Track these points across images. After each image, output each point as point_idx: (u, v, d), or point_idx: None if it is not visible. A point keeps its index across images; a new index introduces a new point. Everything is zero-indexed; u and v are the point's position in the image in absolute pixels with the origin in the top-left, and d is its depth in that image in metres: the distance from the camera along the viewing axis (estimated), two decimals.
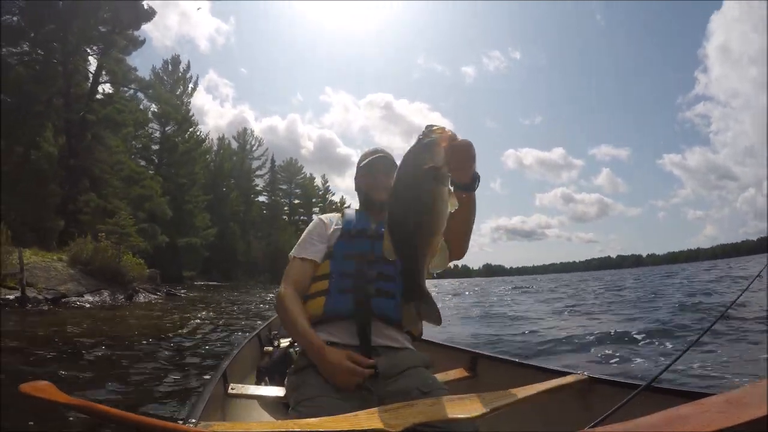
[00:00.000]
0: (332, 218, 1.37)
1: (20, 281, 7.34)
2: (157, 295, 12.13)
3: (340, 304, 1.18)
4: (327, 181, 53.99)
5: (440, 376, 1.42)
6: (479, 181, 0.97)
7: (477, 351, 1.75)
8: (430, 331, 1.42)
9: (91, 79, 19.25)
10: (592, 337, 4.62)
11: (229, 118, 77.92)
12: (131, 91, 21.93)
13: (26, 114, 15.32)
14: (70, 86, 17.59)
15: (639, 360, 3.65)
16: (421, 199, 0.81)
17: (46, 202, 15.41)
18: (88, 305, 8.53)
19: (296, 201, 51.44)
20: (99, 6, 17.92)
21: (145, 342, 5.00)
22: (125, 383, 3.22)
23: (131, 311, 8.56)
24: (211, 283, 25.17)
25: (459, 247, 1.12)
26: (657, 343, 4.21)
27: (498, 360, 1.64)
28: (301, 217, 50.08)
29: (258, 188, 47.82)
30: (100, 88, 19.98)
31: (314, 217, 1.50)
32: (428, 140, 0.84)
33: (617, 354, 3.88)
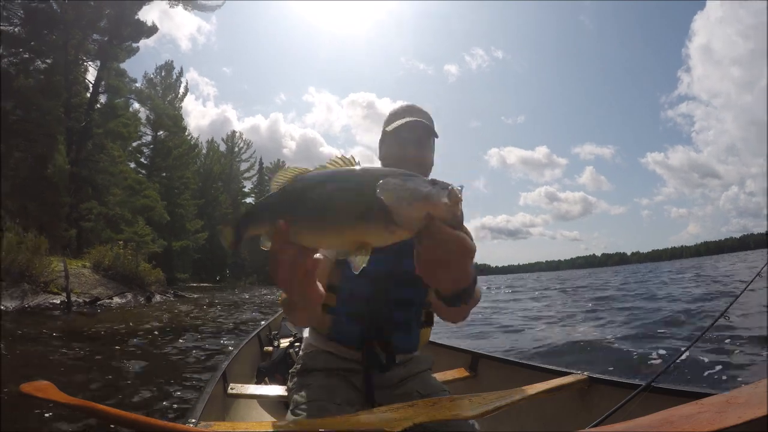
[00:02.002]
0: None
1: (66, 287, 8.18)
2: (167, 296, 13.04)
3: (346, 333, 1.05)
4: None
5: (440, 376, 1.42)
6: (470, 291, 0.70)
7: (477, 351, 1.75)
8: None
9: (90, 89, 19.47)
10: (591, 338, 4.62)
11: (212, 118, 78.04)
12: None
13: (37, 126, 15.61)
14: (70, 96, 17.82)
15: (639, 360, 3.66)
16: None
17: (59, 212, 15.94)
18: (117, 307, 9.41)
19: None
20: (99, 16, 18.14)
21: (186, 335, 5.71)
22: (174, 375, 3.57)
23: (155, 311, 9.34)
24: (202, 284, 25.39)
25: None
26: (656, 343, 4.21)
27: (498, 360, 1.64)
28: None
29: (245, 190, 48.12)
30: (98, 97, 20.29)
31: None
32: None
33: (617, 354, 3.88)
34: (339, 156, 0.62)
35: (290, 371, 1.14)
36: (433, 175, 1.00)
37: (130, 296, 10.56)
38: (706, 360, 3.34)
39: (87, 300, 8.77)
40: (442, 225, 0.54)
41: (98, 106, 19.35)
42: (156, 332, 5.94)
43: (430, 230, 0.54)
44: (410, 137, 1.07)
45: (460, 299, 0.68)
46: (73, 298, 8.27)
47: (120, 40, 19.06)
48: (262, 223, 0.66)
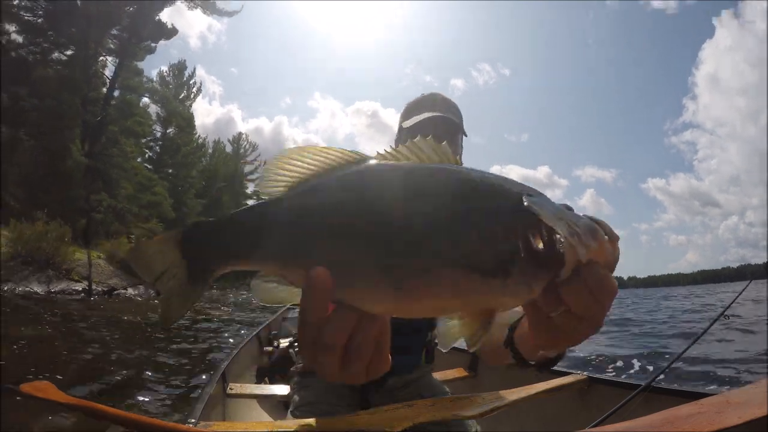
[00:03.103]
0: None
1: (88, 277, 8.97)
2: None
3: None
4: None
5: (440, 376, 1.42)
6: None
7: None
8: None
9: (108, 84, 19.72)
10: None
11: (217, 116, 77.61)
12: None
13: (56, 117, 15.81)
14: (89, 90, 18.06)
15: (638, 360, 3.66)
16: None
17: (74, 203, 16.28)
18: (132, 296, 10.03)
19: None
20: (120, 14, 18.37)
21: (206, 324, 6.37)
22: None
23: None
24: None
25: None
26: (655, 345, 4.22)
27: None
28: None
29: (248, 192, 48.19)
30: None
31: None
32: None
33: (617, 354, 3.88)
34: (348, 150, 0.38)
35: (291, 369, 1.14)
36: None
37: (142, 288, 11.06)
38: (706, 360, 3.34)
39: (105, 289, 9.57)
40: (605, 270, 0.36)
41: (113, 102, 19.59)
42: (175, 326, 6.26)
43: (588, 275, 0.35)
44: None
45: (559, 359, 0.54)
46: (93, 286, 8.98)
47: (139, 39, 19.27)
48: (259, 258, 0.38)
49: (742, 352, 3.53)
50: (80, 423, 2.12)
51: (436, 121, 0.93)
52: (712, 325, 1.36)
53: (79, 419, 2.12)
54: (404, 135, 0.97)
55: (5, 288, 7.13)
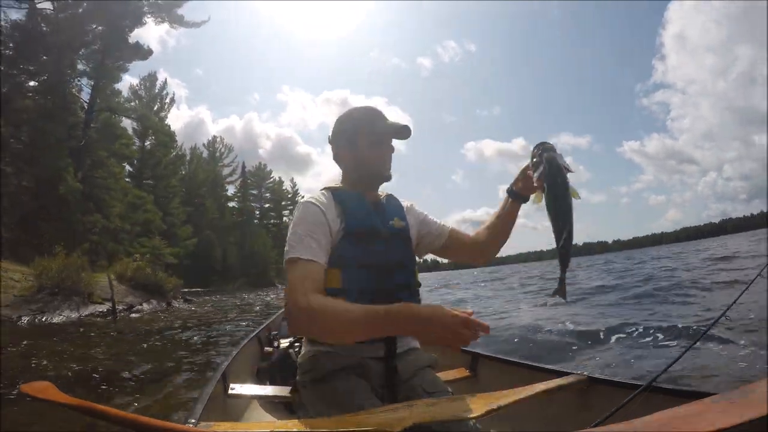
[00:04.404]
0: (328, 207, 1.05)
1: (112, 298, 9.78)
2: (178, 301, 14.44)
3: None
4: (296, 185, 55.17)
5: (440, 376, 1.42)
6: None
7: (477, 351, 1.75)
8: None
9: (86, 107, 19.88)
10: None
11: (186, 120, 77.33)
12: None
13: (44, 149, 16.11)
14: (68, 115, 18.25)
15: (638, 360, 3.66)
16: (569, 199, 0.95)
17: (75, 229, 16.77)
18: (149, 312, 10.92)
19: (267, 205, 52.63)
20: (92, 38, 18.66)
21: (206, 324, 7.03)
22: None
23: (180, 314, 10.87)
24: (193, 289, 26.01)
25: (496, 251, 1.24)
26: (656, 343, 4.21)
27: (498, 360, 1.64)
28: (272, 221, 51.68)
29: (228, 195, 48.26)
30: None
31: (306, 201, 1.07)
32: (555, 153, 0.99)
33: (617, 354, 3.88)
34: None
35: (298, 380, 1.09)
36: (411, 171, 1.06)
37: (154, 302, 12.07)
38: (707, 360, 3.34)
39: (125, 307, 10.28)
40: None
41: (93, 125, 19.80)
42: (197, 331, 7.11)
43: None
44: (390, 138, 1.14)
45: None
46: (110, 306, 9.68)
47: (114, 60, 19.57)
48: None
49: (743, 352, 3.53)
50: (80, 423, 2.12)
51: (397, 128, 1.14)
52: (713, 324, 1.36)
53: (79, 419, 2.13)
54: (369, 135, 1.12)
55: (44, 319, 8.00)
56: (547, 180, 0.96)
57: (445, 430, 0.82)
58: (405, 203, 1.24)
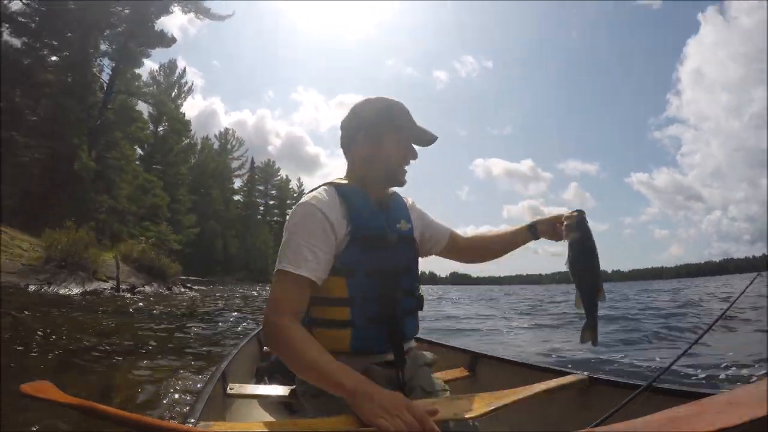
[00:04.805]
0: (332, 207, 0.96)
1: (116, 277, 10.39)
2: (178, 286, 14.88)
3: (371, 339, 0.97)
4: (302, 184, 55.98)
5: (440, 376, 1.42)
6: None
7: (477, 351, 1.74)
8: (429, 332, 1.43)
9: (105, 88, 20.05)
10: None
11: (200, 109, 77.25)
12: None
13: (63, 125, 16.28)
14: (88, 94, 18.45)
15: (639, 360, 3.66)
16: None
17: (87, 207, 17.12)
18: (151, 294, 11.38)
19: (271, 202, 53.23)
20: (119, 20, 18.75)
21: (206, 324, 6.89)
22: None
23: (182, 297, 11.52)
24: (192, 277, 26.06)
25: (491, 257, 1.29)
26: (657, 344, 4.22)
27: (498, 360, 1.63)
28: (275, 218, 52.23)
29: (235, 188, 48.38)
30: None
31: (306, 202, 0.96)
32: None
33: (617, 354, 3.88)
34: None
35: (297, 390, 1.05)
36: (417, 179, 1.07)
37: (156, 285, 12.43)
38: (707, 360, 3.34)
39: (128, 287, 10.72)
40: None
41: (110, 107, 19.98)
42: (201, 315, 7.59)
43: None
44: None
45: None
46: (114, 284, 10.21)
47: (137, 45, 19.73)
48: None
49: (742, 352, 3.53)
50: (80, 423, 2.12)
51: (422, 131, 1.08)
52: (713, 325, 1.36)
53: (79, 419, 2.12)
54: (390, 135, 1.04)
55: (51, 290, 8.22)
56: (578, 242, 1.10)
57: (444, 430, 0.82)
58: (407, 200, 1.20)
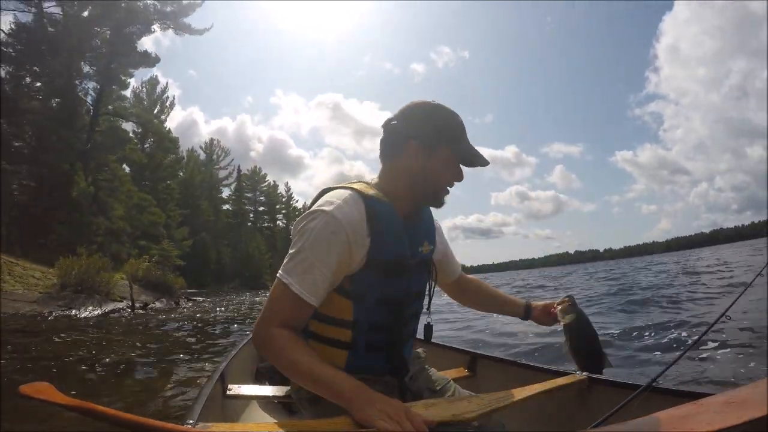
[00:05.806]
0: (357, 225, 0.85)
1: (131, 296, 11.12)
2: (184, 300, 15.37)
3: (370, 362, 0.94)
4: (290, 189, 55.99)
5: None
6: None
7: (477, 351, 1.74)
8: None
9: (92, 111, 20.14)
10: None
11: (178, 120, 76.60)
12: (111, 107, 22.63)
13: (56, 153, 16.49)
14: (75, 118, 18.54)
15: (638, 360, 3.66)
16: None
17: (86, 231, 17.37)
18: (162, 309, 11.94)
19: (261, 208, 53.39)
20: (101, 43, 18.89)
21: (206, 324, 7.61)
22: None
23: (190, 311, 11.75)
24: (189, 290, 26.29)
25: (477, 309, 1.39)
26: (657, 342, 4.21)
27: (497, 360, 1.63)
28: (266, 224, 52.59)
29: (224, 197, 48.64)
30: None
31: (332, 214, 0.84)
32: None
33: (617, 355, 3.88)
34: None
35: (294, 397, 1.04)
36: None
37: (164, 301, 13.02)
38: (707, 360, 3.34)
39: (141, 305, 11.23)
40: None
41: (98, 129, 20.07)
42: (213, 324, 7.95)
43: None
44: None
45: None
46: (129, 303, 10.83)
47: (120, 66, 19.88)
48: None
49: (742, 352, 3.53)
50: (80, 424, 2.12)
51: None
52: (713, 325, 1.36)
53: (78, 420, 2.12)
54: (442, 151, 0.93)
55: (73, 314, 8.67)
56: (574, 329, 1.23)
57: (444, 430, 0.82)
58: (436, 223, 1.11)
